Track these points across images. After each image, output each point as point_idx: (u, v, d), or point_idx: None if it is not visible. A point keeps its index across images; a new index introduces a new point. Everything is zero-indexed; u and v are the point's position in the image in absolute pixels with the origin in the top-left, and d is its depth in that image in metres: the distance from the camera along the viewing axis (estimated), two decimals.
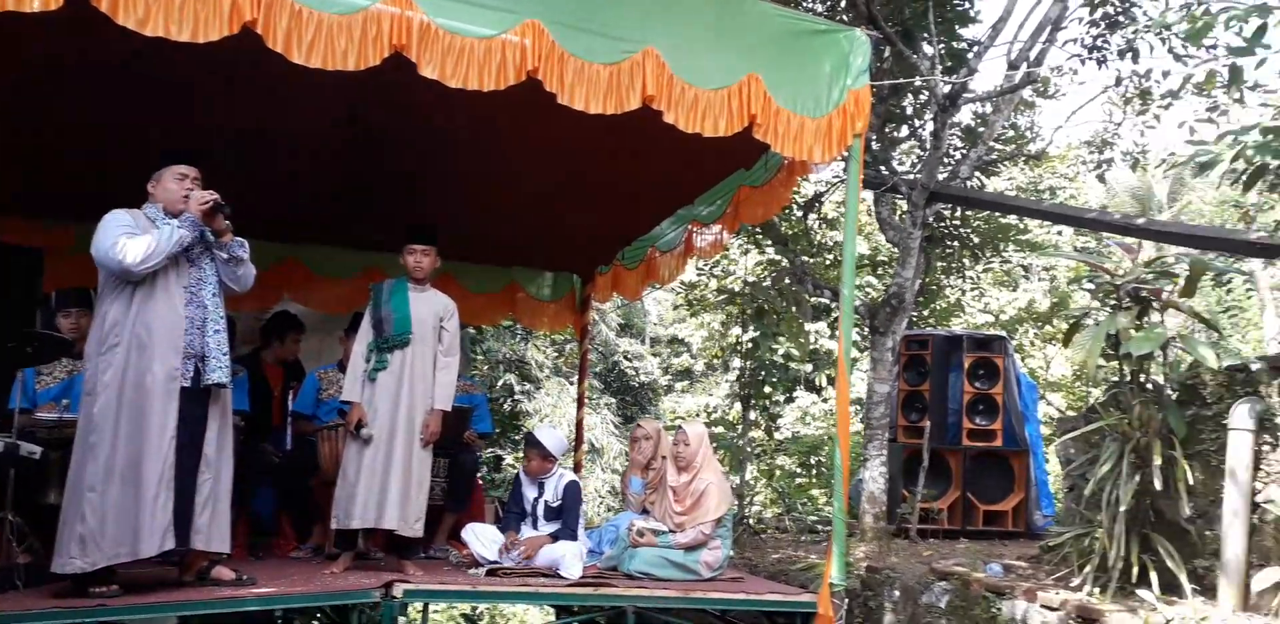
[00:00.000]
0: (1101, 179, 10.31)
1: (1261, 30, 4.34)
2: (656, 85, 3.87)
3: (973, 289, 12.26)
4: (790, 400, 12.95)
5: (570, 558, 4.69)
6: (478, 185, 6.03)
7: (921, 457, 7.35)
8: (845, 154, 4.46)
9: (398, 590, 4.18)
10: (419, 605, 4.57)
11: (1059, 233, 13.81)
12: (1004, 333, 9.57)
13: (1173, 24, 4.71)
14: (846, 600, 5.52)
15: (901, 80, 7.09)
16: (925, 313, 10.90)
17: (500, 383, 13.57)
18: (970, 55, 7.97)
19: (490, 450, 12.93)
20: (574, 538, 4.89)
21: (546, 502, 5.01)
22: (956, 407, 7.82)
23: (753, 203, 5.50)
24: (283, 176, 5.63)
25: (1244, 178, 4.63)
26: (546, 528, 5.00)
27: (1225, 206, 15.41)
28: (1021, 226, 10.43)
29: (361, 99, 4.88)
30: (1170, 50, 7.18)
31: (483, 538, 4.91)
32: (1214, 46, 4.66)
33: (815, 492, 10.59)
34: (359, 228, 6.52)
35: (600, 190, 5.99)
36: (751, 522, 8.43)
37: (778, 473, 10.58)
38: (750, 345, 9.13)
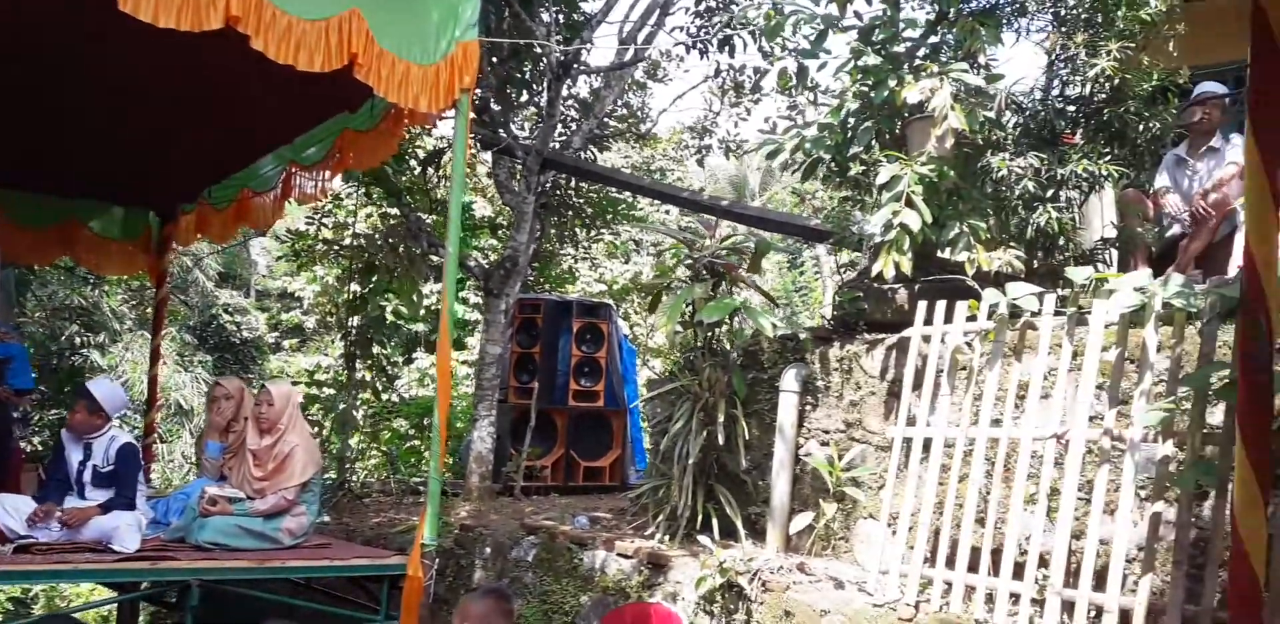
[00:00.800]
0: (701, 164, 11.17)
1: (823, 36, 4.90)
2: (242, 6, 3.50)
3: (585, 258, 12.76)
4: (409, 361, 12.72)
5: (124, 530, 4.28)
6: (31, 100, 5.16)
7: (530, 417, 7.55)
8: (454, 107, 4.36)
9: None
10: None
11: (667, 211, 14.88)
12: (610, 301, 10.09)
13: (753, 21, 5.16)
14: (438, 560, 5.52)
15: (516, 40, 7.10)
16: (542, 278, 11.19)
17: (65, 335, 11.84)
18: (586, 29, 8.17)
19: (55, 412, 11.33)
20: (130, 507, 4.46)
21: (95, 466, 4.51)
22: (565, 369, 8.15)
23: (359, 148, 5.24)
24: None
25: (803, 168, 5.23)
26: (97, 496, 4.50)
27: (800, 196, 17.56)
28: (631, 202, 11.00)
29: None
30: (760, 48, 7.88)
31: (12, 509, 4.30)
32: (796, 49, 5.17)
33: (427, 453, 10.48)
34: None
35: (185, 119, 5.42)
36: (354, 485, 8.16)
37: (388, 435, 10.34)
38: (359, 302, 8.77)
